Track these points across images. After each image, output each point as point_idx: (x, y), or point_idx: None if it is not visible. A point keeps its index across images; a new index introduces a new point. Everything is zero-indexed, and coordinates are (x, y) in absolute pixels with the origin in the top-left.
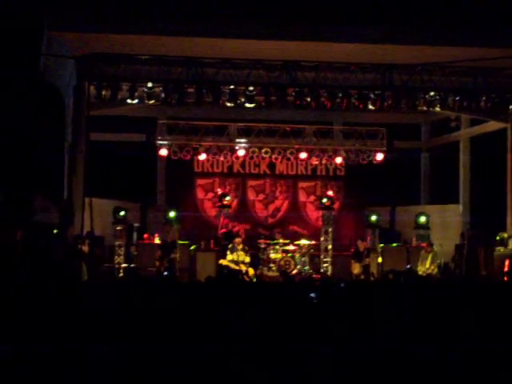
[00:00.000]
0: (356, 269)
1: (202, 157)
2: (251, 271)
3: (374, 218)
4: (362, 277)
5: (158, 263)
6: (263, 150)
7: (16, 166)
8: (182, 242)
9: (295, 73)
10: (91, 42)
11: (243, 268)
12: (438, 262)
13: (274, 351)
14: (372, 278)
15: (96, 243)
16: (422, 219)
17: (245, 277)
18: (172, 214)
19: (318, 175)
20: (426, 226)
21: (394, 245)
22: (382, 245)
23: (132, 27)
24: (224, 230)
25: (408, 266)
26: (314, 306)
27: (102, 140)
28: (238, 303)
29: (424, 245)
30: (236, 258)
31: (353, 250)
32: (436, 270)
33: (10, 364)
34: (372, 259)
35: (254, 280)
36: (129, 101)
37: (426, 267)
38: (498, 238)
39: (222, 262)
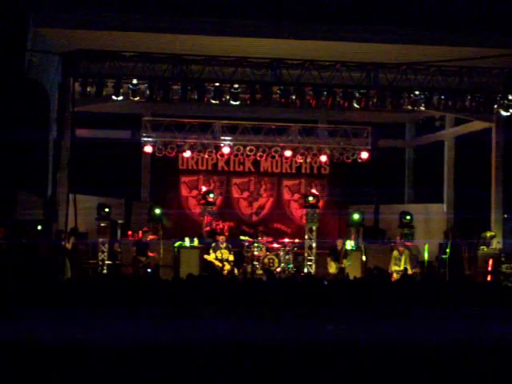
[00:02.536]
0: (332, 268)
1: (187, 154)
2: (235, 271)
3: (356, 216)
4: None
5: (142, 259)
6: (248, 148)
7: (0, 163)
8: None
9: (280, 71)
10: (76, 38)
11: (227, 266)
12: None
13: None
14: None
15: (80, 240)
16: (407, 218)
17: (226, 273)
18: (157, 211)
19: (302, 173)
20: (410, 225)
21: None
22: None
23: (117, 24)
24: (208, 228)
25: (405, 266)
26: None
27: (86, 136)
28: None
29: (397, 245)
30: (220, 256)
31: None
32: (413, 271)
33: None
34: (352, 260)
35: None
36: (114, 97)
37: (398, 268)
38: (481, 237)
39: (207, 257)
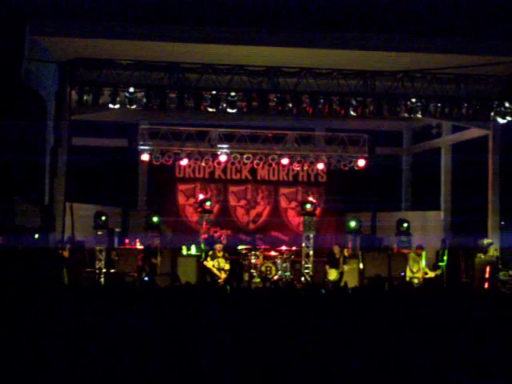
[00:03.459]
0: (333, 275)
1: (184, 162)
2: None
3: (353, 224)
4: (342, 283)
5: (140, 268)
6: (245, 156)
7: None
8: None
9: (277, 79)
10: (73, 46)
11: (223, 275)
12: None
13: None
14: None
15: (77, 248)
16: (404, 225)
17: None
18: (155, 219)
19: (299, 181)
20: (407, 232)
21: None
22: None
23: (114, 32)
24: (205, 236)
25: (402, 273)
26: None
27: (83, 145)
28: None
29: (417, 247)
30: (217, 265)
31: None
32: (434, 273)
33: None
34: (351, 265)
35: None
36: (110, 106)
37: (413, 273)
38: (478, 244)
39: (207, 263)
